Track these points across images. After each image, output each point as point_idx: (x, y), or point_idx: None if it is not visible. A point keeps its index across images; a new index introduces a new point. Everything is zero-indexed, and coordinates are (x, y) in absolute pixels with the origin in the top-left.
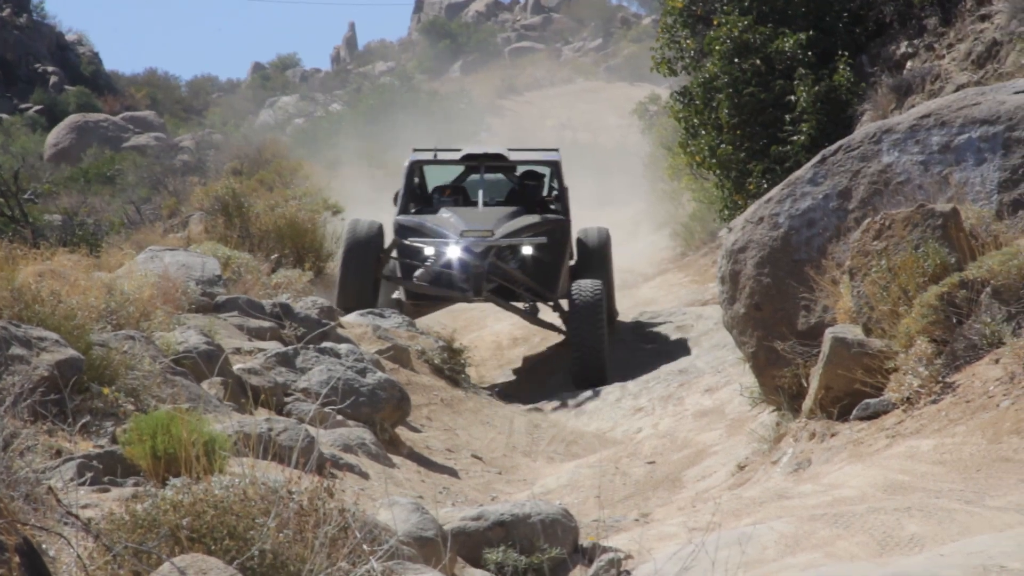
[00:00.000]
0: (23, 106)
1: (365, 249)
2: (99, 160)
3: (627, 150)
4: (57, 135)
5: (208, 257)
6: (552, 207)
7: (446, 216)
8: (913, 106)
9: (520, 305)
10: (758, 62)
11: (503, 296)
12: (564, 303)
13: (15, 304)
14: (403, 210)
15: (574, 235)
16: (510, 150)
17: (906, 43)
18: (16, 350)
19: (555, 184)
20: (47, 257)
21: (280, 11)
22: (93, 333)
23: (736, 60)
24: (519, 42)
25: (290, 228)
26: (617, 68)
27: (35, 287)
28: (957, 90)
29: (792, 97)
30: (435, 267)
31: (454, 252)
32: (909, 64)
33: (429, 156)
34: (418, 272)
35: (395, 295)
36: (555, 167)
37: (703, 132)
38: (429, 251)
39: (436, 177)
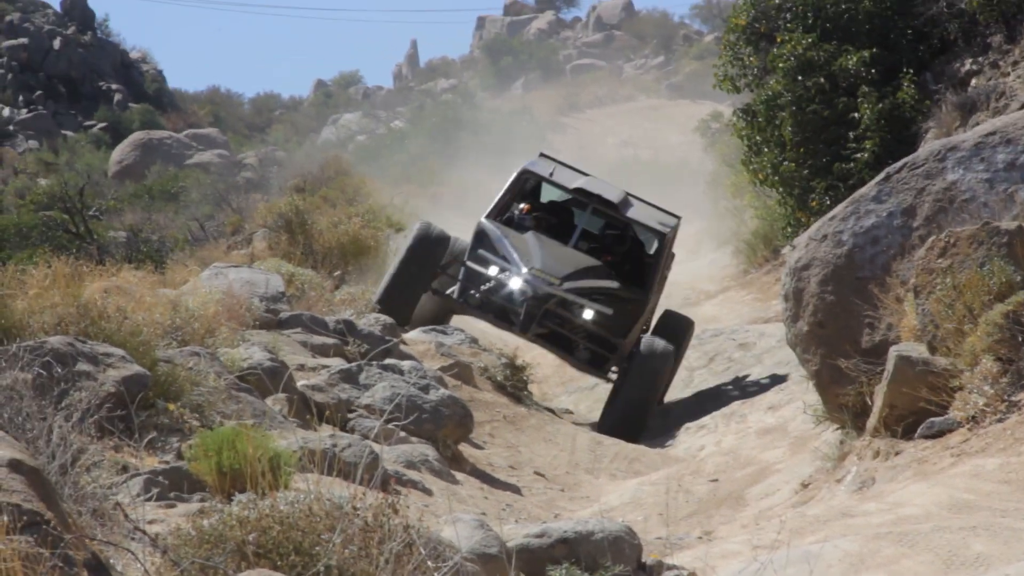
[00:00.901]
0: (87, 123)
1: (429, 255)
2: (163, 177)
3: (689, 167)
4: (121, 152)
5: (272, 274)
6: (645, 273)
7: (528, 243)
8: (978, 124)
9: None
10: (822, 79)
11: (553, 342)
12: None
13: (81, 320)
14: (491, 214)
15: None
16: (628, 195)
17: (970, 60)
18: (83, 366)
19: (655, 250)
20: (112, 273)
21: (342, 29)
22: (158, 349)
23: (799, 77)
24: (580, 59)
25: (353, 245)
26: (679, 85)
27: (101, 303)
28: (1022, 107)
29: (856, 114)
30: (491, 293)
31: (515, 283)
32: (974, 81)
33: (546, 170)
34: (471, 293)
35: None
36: (661, 238)
37: (766, 149)
38: (493, 271)
39: (550, 192)
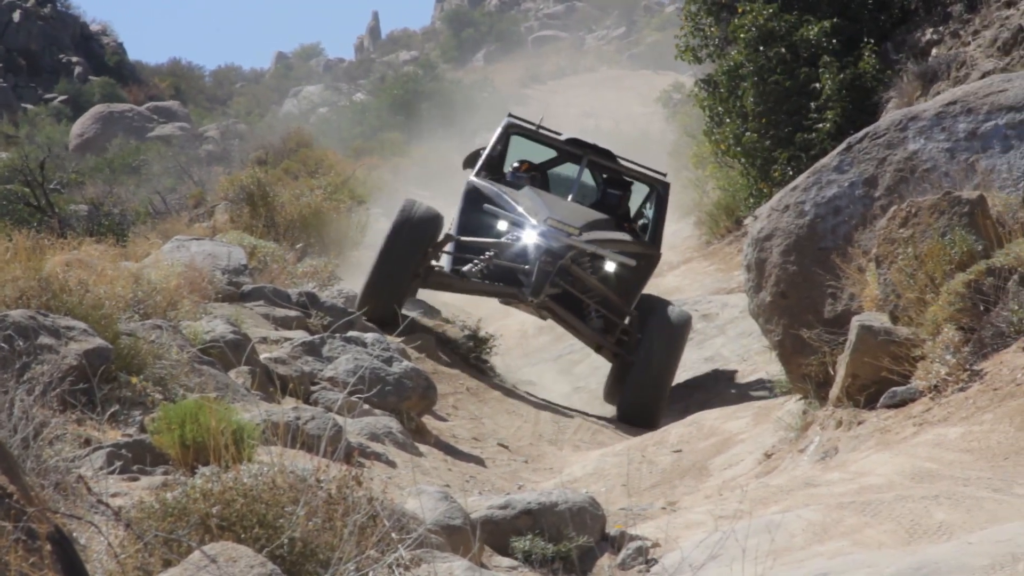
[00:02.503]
0: (48, 96)
1: (416, 238)
2: (124, 150)
3: (651, 138)
4: (82, 125)
5: (234, 246)
6: (638, 233)
7: (531, 195)
8: (939, 93)
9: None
10: (783, 50)
11: (564, 307)
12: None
13: (43, 294)
14: (480, 172)
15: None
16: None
17: (931, 30)
18: (44, 339)
19: (647, 209)
20: (74, 247)
21: (303, 0)
22: (121, 322)
23: (761, 48)
24: (542, 31)
25: (315, 217)
26: (641, 56)
27: (62, 277)
28: (983, 77)
29: (817, 85)
30: (497, 257)
31: (530, 236)
32: (935, 51)
33: (530, 126)
34: (467, 267)
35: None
36: (664, 189)
37: (728, 120)
38: (503, 226)
39: (519, 151)
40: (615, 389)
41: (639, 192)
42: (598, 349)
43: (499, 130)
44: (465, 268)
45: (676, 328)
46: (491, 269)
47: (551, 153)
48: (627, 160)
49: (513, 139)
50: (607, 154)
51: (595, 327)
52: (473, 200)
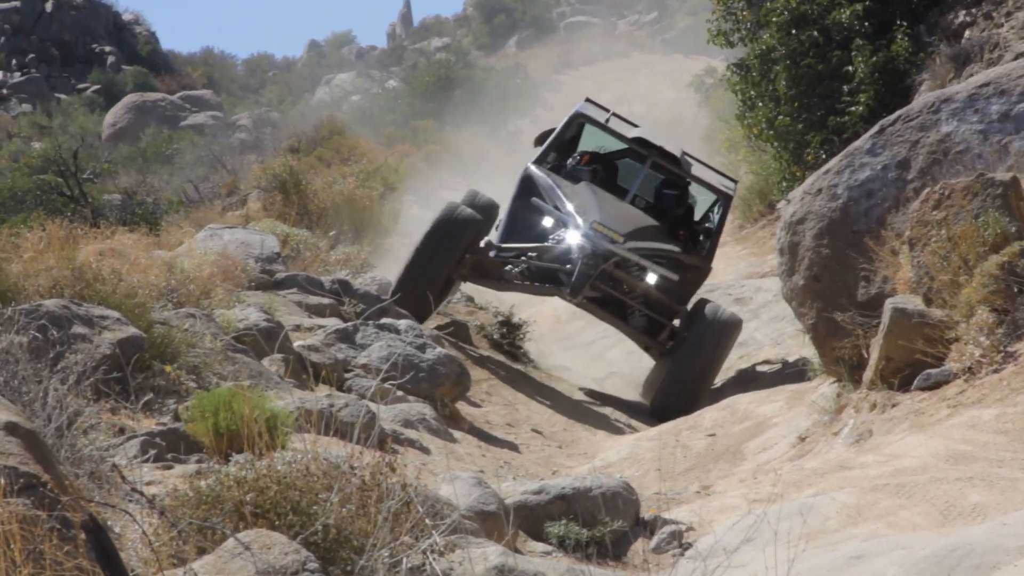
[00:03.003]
0: (81, 86)
1: (454, 238)
2: (157, 139)
3: (684, 123)
4: (115, 115)
5: (267, 235)
6: (699, 238)
7: (585, 193)
8: (972, 75)
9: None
10: (815, 33)
11: (604, 307)
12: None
13: (76, 283)
14: (541, 159)
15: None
16: (684, 155)
17: (964, 12)
18: (78, 329)
19: (712, 215)
20: (107, 236)
21: None
22: (154, 311)
23: (793, 31)
24: (574, 16)
25: (348, 205)
26: (673, 41)
27: (96, 266)
28: (1016, 58)
29: (850, 68)
30: (539, 259)
31: (572, 237)
32: (967, 33)
33: (600, 117)
34: (508, 267)
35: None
36: (726, 201)
37: (760, 104)
38: (548, 223)
39: (591, 140)
40: (653, 385)
41: (707, 193)
42: (647, 348)
43: (568, 116)
44: (507, 268)
45: (723, 330)
46: (532, 270)
47: (621, 144)
48: (695, 159)
49: (588, 127)
50: (672, 158)
51: (637, 326)
52: (526, 189)
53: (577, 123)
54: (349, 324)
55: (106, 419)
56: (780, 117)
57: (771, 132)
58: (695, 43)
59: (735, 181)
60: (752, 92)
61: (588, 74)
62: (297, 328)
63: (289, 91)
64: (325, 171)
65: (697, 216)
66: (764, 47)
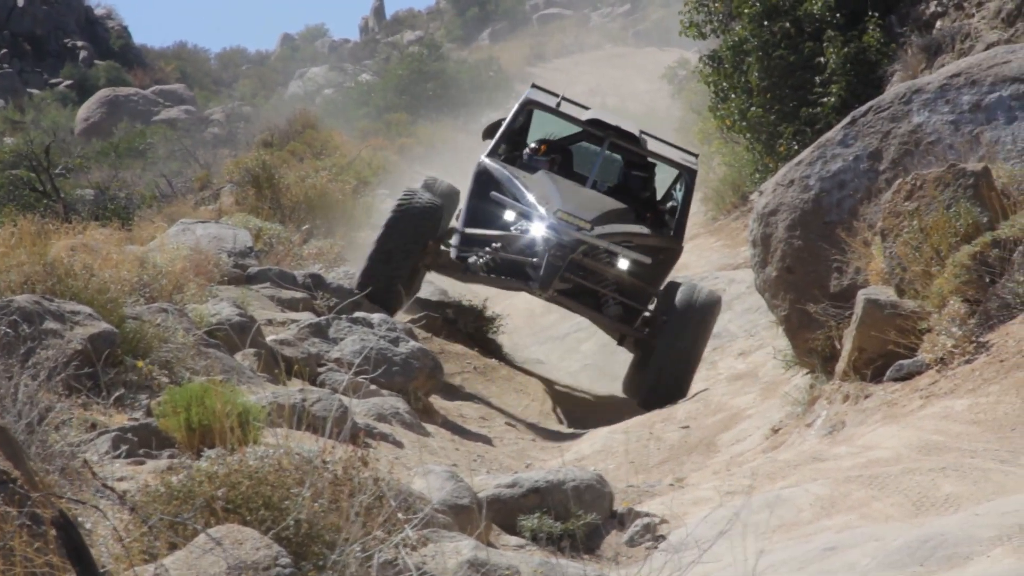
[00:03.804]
0: (53, 81)
1: (415, 228)
2: (130, 134)
3: (657, 115)
4: (88, 110)
5: (239, 229)
6: (665, 219)
7: (544, 182)
8: (943, 65)
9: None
10: (787, 24)
11: (577, 299)
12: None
13: (48, 278)
14: (494, 152)
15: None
16: (643, 132)
17: (935, 2)
18: (50, 324)
19: (676, 193)
20: (79, 231)
21: None
22: (126, 306)
23: (765, 23)
24: (547, 8)
25: (321, 199)
26: (645, 33)
27: (68, 261)
28: (987, 48)
29: (822, 59)
30: (502, 251)
31: (537, 230)
32: (939, 23)
33: (550, 101)
34: (472, 259)
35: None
36: (691, 176)
37: (733, 95)
38: (510, 216)
39: (542, 124)
40: (636, 379)
41: (668, 172)
42: (621, 340)
43: (518, 103)
44: (471, 260)
45: (703, 309)
46: (498, 262)
47: (575, 127)
48: (653, 137)
49: (537, 113)
50: (631, 136)
51: (612, 314)
52: (482, 184)
53: (527, 110)
54: (322, 318)
55: (77, 415)
56: (753, 108)
57: (744, 124)
58: (668, 35)
59: (696, 155)
60: (725, 84)
61: (561, 66)
62: (270, 322)
63: (262, 85)
64: (298, 165)
65: (659, 195)
66: (736, 38)
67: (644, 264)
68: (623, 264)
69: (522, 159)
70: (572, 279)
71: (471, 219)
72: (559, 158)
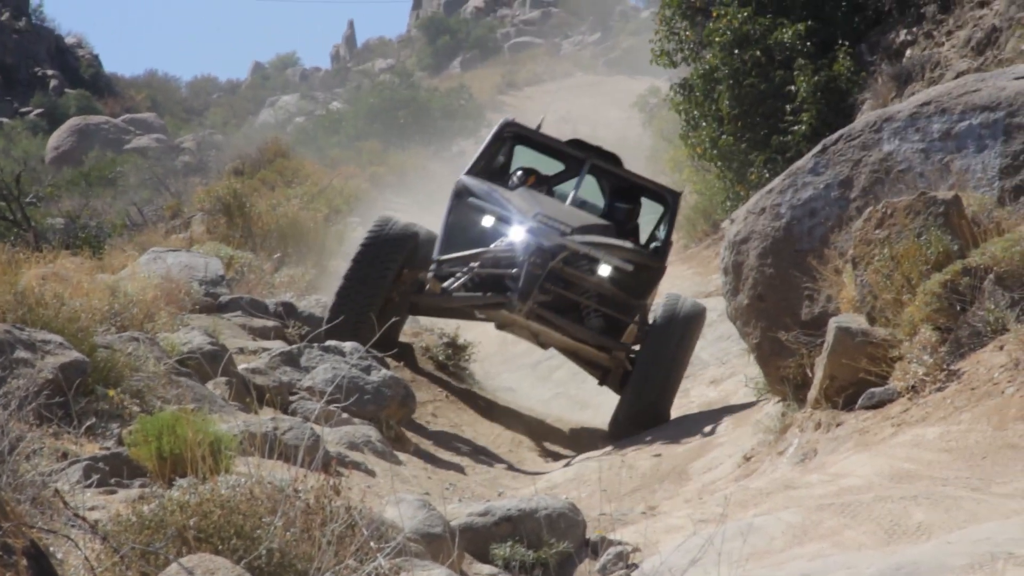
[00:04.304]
0: (24, 110)
1: (388, 255)
2: (100, 162)
3: (628, 143)
4: (58, 138)
5: (211, 257)
6: (648, 246)
7: (525, 195)
8: (913, 94)
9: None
10: (758, 53)
11: (559, 314)
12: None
13: (19, 307)
14: (473, 170)
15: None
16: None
17: (905, 31)
18: (20, 353)
19: (662, 226)
20: (50, 260)
21: (279, 10)
22: (97, 335)
23: (736, 51)
24: (518, 37)
25: (292, 227)
26: (616, 61)
27: (38, 290)
28: (957, 77)
29: (792, 87)
30: (482, 266)
31: (518, 233)
32: (908, 52)
33: (531, 127)
34: (449, 282)
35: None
36: (675, 202)
37: (704, 124)
38: (487, 222)
39: (522, 159)
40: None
41: (653, 211)
42: (603, 380)
43: (494, 131)
44: (447, 284)
45: (686, 321)
46: (476, 281)
47: (560, 166)
48: (635, 175)
49: (518, 148)
50: (612, 158)
51: (594, 327)
52: (461, 198)
53: (509, 144)
54: (294, 347)
55: (49, 444)
56: (724, 136)
57: (715, 152)
58: (639, 63)
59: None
60: (696, 112)
61: (532, 94)
62: (241, 351)
63: (233, 113)
64: (269, 193)
65: (643, 236)
66: (707, 67)
67: (627, 273)
68: (604, 271)
69: (506, 186)
70: (552, 290)
71: (448, 236)
72: (544, 188)
